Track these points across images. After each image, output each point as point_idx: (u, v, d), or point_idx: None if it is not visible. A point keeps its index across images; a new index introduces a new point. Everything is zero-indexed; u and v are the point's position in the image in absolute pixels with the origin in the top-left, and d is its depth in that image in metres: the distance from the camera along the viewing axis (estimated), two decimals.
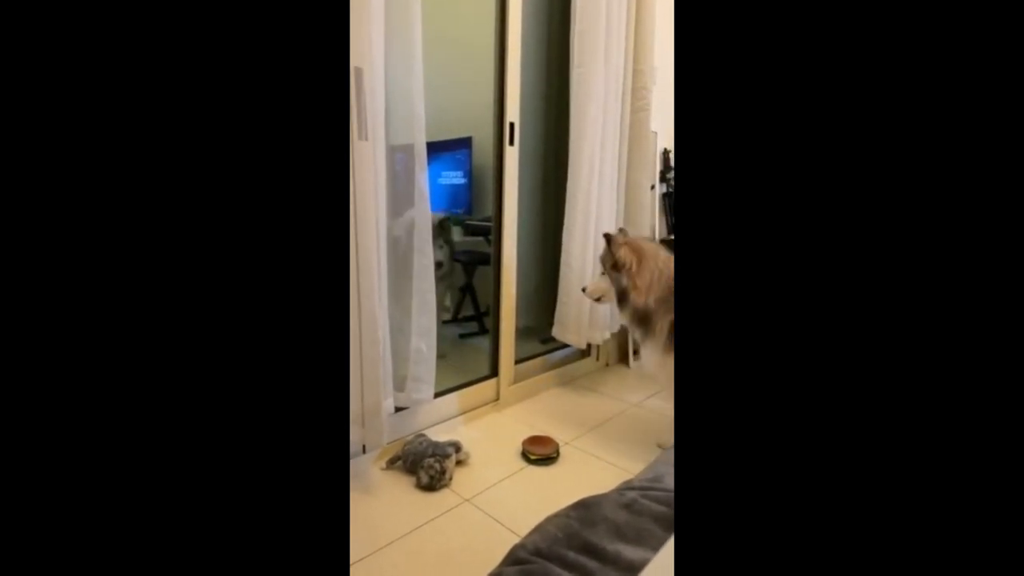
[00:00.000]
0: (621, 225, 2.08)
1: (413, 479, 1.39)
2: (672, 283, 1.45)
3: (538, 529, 0.61)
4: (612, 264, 1.49)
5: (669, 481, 0.68)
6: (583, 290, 1.67)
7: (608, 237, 1.53)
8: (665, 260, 1.49)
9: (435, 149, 2.38)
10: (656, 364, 1.50)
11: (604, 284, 1.55)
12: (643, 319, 1.48)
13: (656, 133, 2.22)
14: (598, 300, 1.65)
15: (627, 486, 0.67)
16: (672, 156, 2.41)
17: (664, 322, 1.44)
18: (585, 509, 0.62)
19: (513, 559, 0.57)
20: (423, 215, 1.43)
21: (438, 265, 1.53)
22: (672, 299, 1.44)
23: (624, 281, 1.47)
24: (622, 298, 1.49)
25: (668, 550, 0.42)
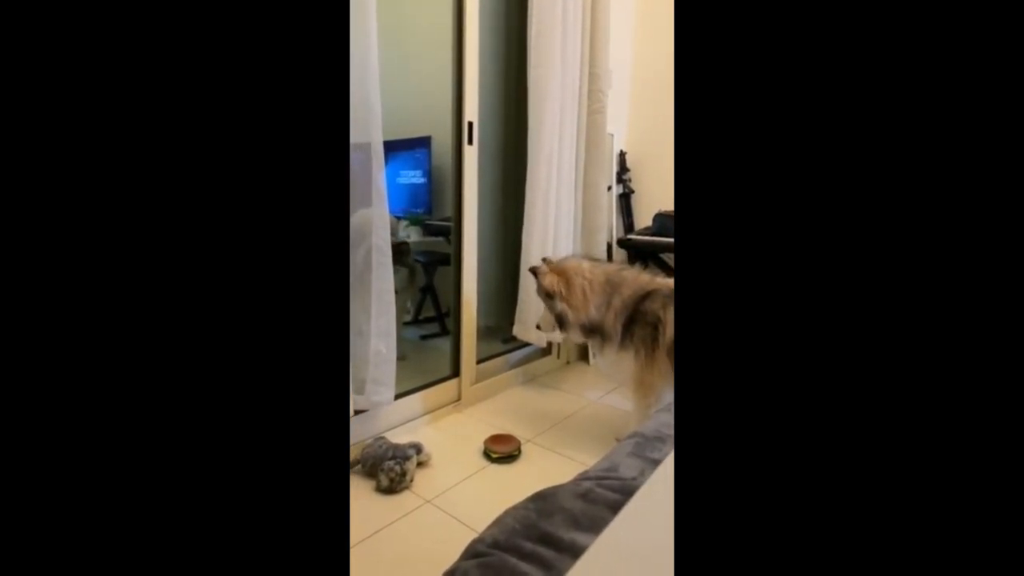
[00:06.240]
0: (578, 229, 2.12)
1: (373, 482, 1.36)
2: (607, 285, 1.51)
3: (497, 522, 0.62)
4: (545, 294, 1.54)
5: (623, 470, 0.69)
6: (537, 327, 1.70)
7: (534, 271, 1.58)
8: (589, 269, 1.54)
9: (393, 148, 2.36)
10: (613, 364, 1.55)
11: (549, 315, 1.59)
12: (591, 330, 1.52)
13: (612, 135, 2.27)
14: (555, 329, 1.66)
15: (583, 476, 0.69)
16: (628, 157, 2.48)
17: (615, 324, 1.49)
18: (542, 500, 0.63)
19: (471, 553, 0.58)
20: (381, 214, 1.41)
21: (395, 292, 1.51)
22: (614, 299, 1.49)
23: (559, 306, 1.52)
24: (560, 322, 1.54)
25: (610, 533, 0.43)
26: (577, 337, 1.58)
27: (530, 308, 1.95)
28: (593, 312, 1.50)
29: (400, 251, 2.09)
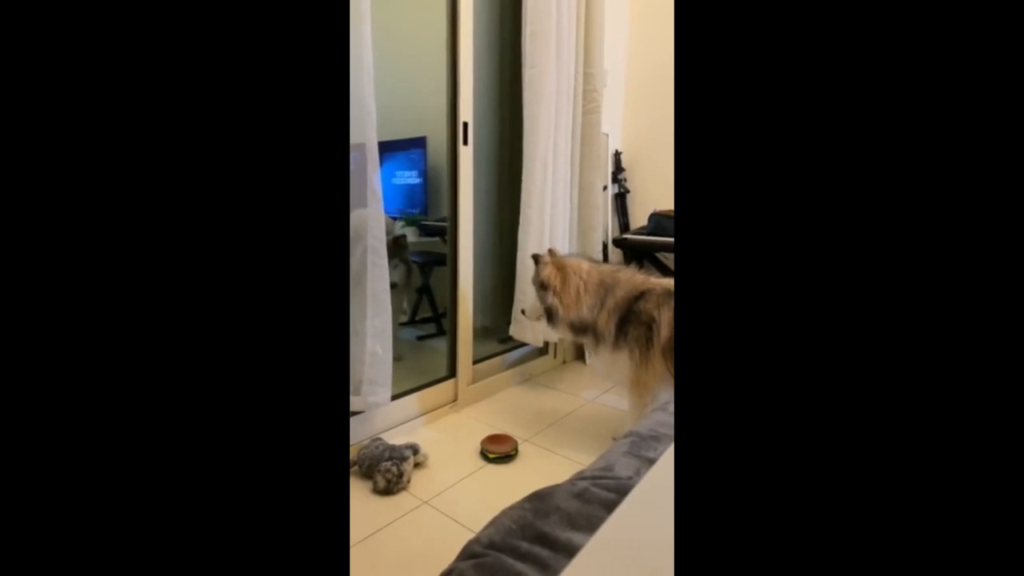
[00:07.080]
0: (574, 229, 2.13)
1: (370, 484, 1.36)
2: (601, 286, 1.51)
3: (493, 523, 0.62)
4: (540, 284, 1.54)
5: (619, 470, 0.70)
6: (522, 312, 1.69)
7: (536, 258, 1.57)
8: (587, 270, 1.54)
9: (389, 148, 2.36)
10: (608, 364, 1.55)
11: (539, 305, 1.59)
12: (581, 329, 1.53)
13: (607, 135, 2.28)
14: (539, 319, 1.66)
15: (579, 476, 0.69)
16: (623, 157, 2.48)
17: (609, 324, 1.49)
18: (539, 500, 0.63)
19: (468, 554, 0.58)
20: (377, 214, 1.41)
21: (392, 285, 1.51)
22: (607, 300, 1.49)
23: (550, 299, 1.52)
24: (549, 316, 1.54)
25: (605, 532, 0.43)
26: (565, 333, 1.58)
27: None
28: (585, 312, 1.50)
29: (398, 245, 2.10)
